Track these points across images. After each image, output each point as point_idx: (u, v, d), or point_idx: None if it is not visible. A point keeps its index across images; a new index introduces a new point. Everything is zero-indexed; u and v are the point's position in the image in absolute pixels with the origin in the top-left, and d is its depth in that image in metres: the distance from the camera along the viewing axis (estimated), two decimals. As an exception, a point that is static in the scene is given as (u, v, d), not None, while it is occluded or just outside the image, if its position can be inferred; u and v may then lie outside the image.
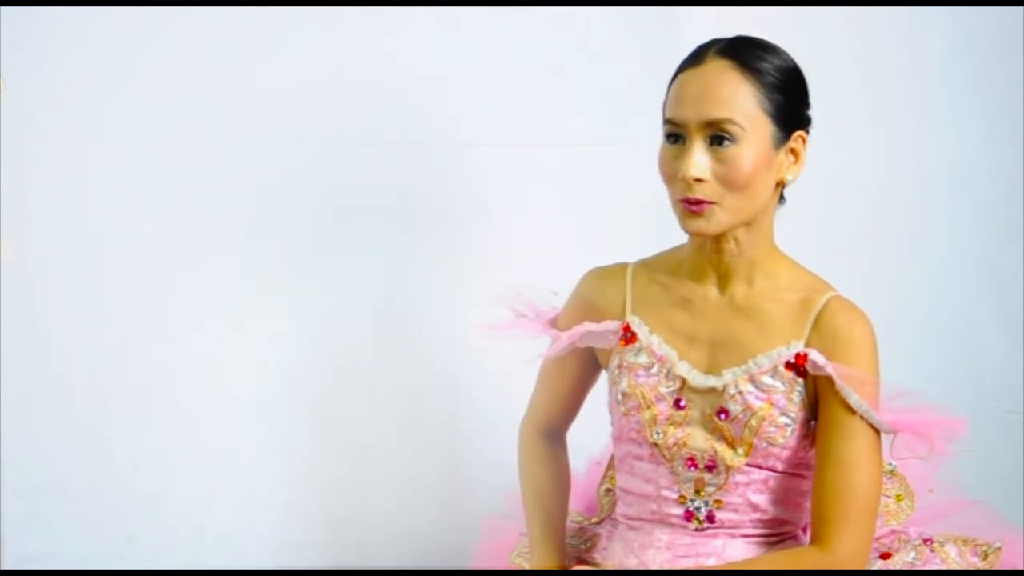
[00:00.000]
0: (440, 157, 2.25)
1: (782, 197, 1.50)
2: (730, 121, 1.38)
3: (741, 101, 1.39)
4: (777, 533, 1.50)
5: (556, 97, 2.26)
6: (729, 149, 1.39)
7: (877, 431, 1.42)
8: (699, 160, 1.39)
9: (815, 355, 1.42)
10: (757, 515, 1.48)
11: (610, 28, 2.27)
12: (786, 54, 1.46)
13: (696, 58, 1.44)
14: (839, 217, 2.33)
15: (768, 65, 1.42)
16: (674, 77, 1.46)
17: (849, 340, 1.42)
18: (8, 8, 2.08)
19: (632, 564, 1.53)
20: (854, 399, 1.39)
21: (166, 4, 2.12)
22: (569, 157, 2.27)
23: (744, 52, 1.42)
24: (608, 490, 1.75)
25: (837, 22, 2.32)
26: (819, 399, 1.44)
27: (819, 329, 1.43)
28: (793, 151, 1.45)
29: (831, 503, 1.40)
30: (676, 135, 1.43)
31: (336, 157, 2.21)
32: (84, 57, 2.12)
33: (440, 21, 2.22)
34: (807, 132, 1.47)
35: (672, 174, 1.42)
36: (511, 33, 2.25)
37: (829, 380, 1.41)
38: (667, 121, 1.44)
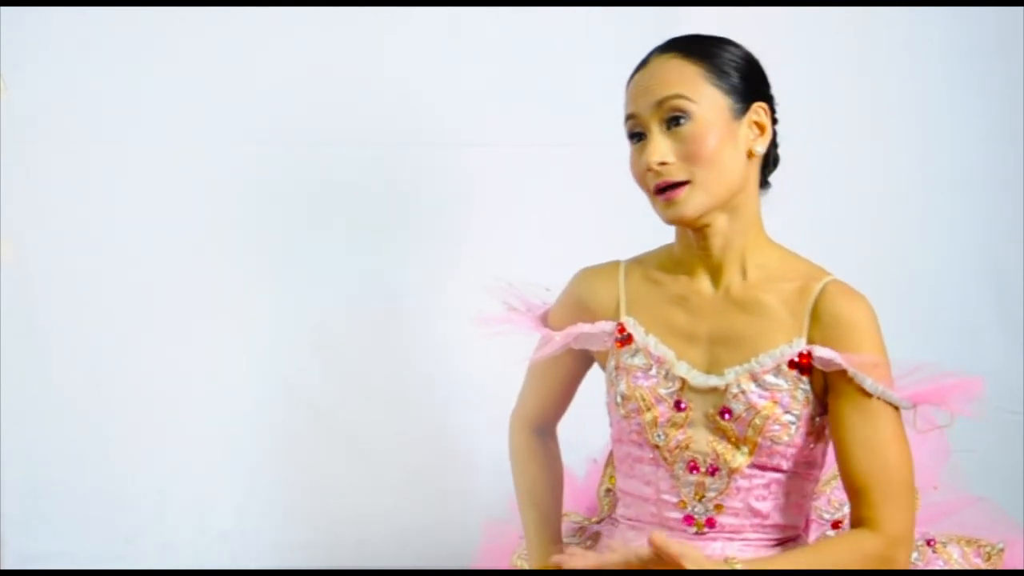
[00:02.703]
0: (440, 157, 2.25)
1: (766, 183, 1.49)
2: (678, 96, 1.39)
3: (688, 79, 1.40)
4: (777, 538, 1.49)
5: (556, 97, 2.26)
6: (685, 127, 1.39)
7: (897, 408, 1.40)
8: (658, 145, 1.40)
9: (820, 351, 1.40)
10: (758, 520, 1.47)
11: (610, 28, 2.27)
12: (738, 44, 1.46)
13: (643, 62, 1.46)
14: (839, 217, 2.33)
15: (714, 49, 1.43)
16: (627, 85, 1.47)
17: (851, 325, 1.40)
18: (8, 8, 2.08)
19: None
20: (869, 383, 1.38)
21: (166, 4, 2.12)
22: (569, 157, 2.27)
23: (687, 43, 1.44)
24: (608, 490, 1.75)
25: (837, 22, 2.33)
26: (831, 389, 1.42)
27: (818, 319, 1.42)
28: (757, 124, 1.43)
29: (871, 485, 1.38)
30: (637, 133, 1.43)
31: (337, 157, 2.21)
32: (84, 57, 2.12)
33: (440, 21, 2.22)
34: (770, 106, 1.45)
35: (641, 170, 1.43)
36: (511, 33, 2.25)
37: (841, 371, 1.39)
38: (625, 121, 1.45)
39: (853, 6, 2.32)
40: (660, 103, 1.40)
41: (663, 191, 1.41)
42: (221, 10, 2.14)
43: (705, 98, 1.39)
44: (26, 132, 2.11)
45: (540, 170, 2.28)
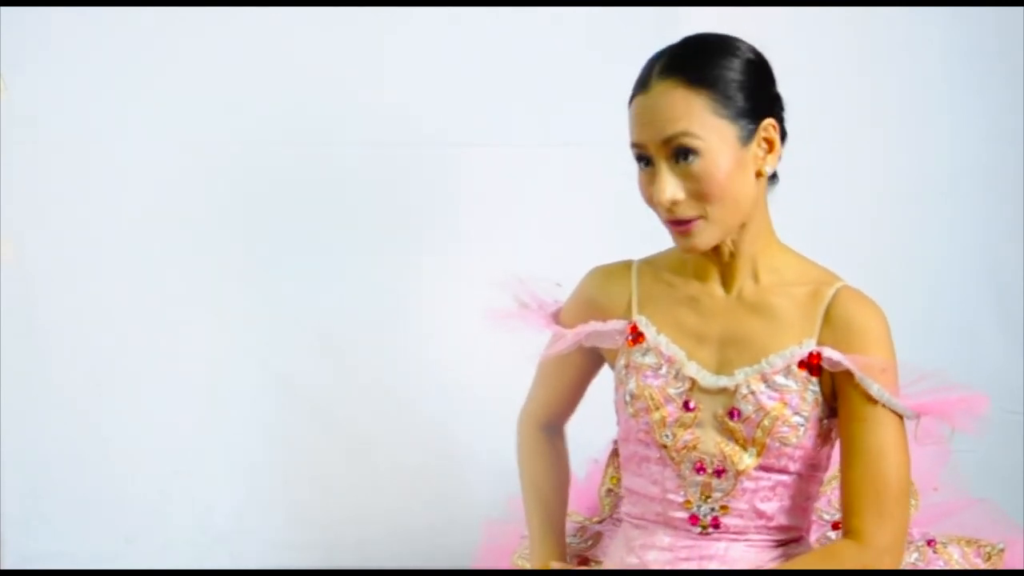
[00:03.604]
0: (440, 157, 2.25)
1: (774, 176, 1.46)
2: (685, 133, 1.35)
3: (695, 114, 1.35)
4: (781, 539, 1.49)
5: (556, 97, 2.26)
6: (695, 164, 1.36)
7: (901, 417, 1.40)
8: (667, 183, 1.37)
9: (829, 352, 1.40)
10: (762, 522, 1.47)
11: (610, 28, 2.27)
12: (740, 46, 1.41)
13: (643, 84, 1.40)
14: (839, 217, 2.33)
15: (717, 70, 1.37)
16: (629, 102, 1.43)
17: (862, 330, 1.40)
18: (8, 8, 2.08)
19: (632, 563, 1.52)
20: (875, 389, 1.37)
21: (166, 4, 2.12)
22: (569, 157, 2.27)
23: (688, 65, 1.38)
24: (609, 490, 1.75)
25: (837, 22, 2.32)
26: (838, 392, 1.42)
27: (830, 322, 1.41)
28: (766, 140, 1.41)
29: (863, 495, 1.38)
30: (644, 157, 1.40)
31: (337, 157, 2.21)
32: (84, 57, 2.13)
33: (440, 21, 2.22)
34: (778, 118, 1.43)
35: (651, 199, 1.41)
36: (511, 33, 2.25)
37: (848, 373, 1.39)
38: (632, 146, 1.42)
39: (853, 6, 2.32)
40: (667, 140, 1.36)
41: (675, 223, 1.40)
42: (221, 10, 2.15)
43: (713, 132, 1.36)
44: (26, 132, 2.12)
45: (540, 170, 2.28)
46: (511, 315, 1.61)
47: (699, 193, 1.37)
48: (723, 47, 1.40)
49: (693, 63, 1.38)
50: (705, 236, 1.40)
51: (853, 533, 1.39)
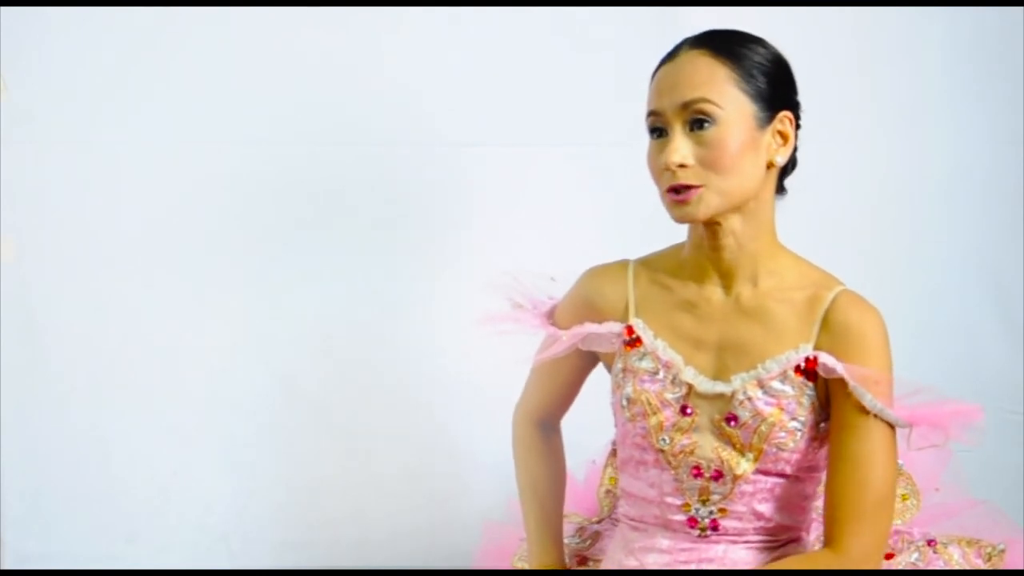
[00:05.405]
0: (439, 157, 2.25)
1: (782, 188, 1.48)
2: (705, 100, 1.37)
3: (717, 82, 1.38)
4: (780, 540, 1.49)
5: (556, 97, 2.26)
6: (709, 131, 1.37)
7: (892, 426, 1.40)
8: (680, 146, 1.38)
9: (825, 358, 1.40)
10: (761, 523, 1.47)
11: (610, 28, 2.27)
12: (768, 45, 1.44)
13: (671, 54, 1.43)
14: (839, 217, 2.33)
15: (744, 50, 1.40)
16: (652, 75, 1.45)
17: (860, 336, 1.40)
18: (8, 8, 2.08)
19: (631, 565, 1.52)
20: (868, 399, 1.37)
21: (166, 4, 2.12)
22: (568, 157, 2.27)
23: (718, 40, 1.41)
24: (608, 491, 1.75)
25: (837, 22, 2.32)
26: (831, 399, 1.42)
27: (828, 327, 1.41)
28: (781, 133, 1.42)
29: (843, 503, 1.38)
30: (658, 129, 1.41)
31: (337, 157, 2.21)
32: (84, 57, 2.13)
33: (440, 21, 2.22)
34: (795, 115, 1.44)
35: (658, 168, 1.41)
36: (511, 33, 2.25)
37: (842, 380, 1.39)
38: (648, 116, 1.43)
39: (853, 6, 2.32)
40: (686, 105, 1.37)
41: (676, 191, 1.39)
42: (221, 10, 2.15)
43: (731, 103, 1.37)
44: (26, 131, 2.12)
45: (540, 170, 2.28)
46: (505, 318, 1.61)
47: (709, 161, 1.37)
48: (753, 37, 1.44)
49: (722, 39, 1.41)
50: (703, 206, 1.39)
51: (830, 542, 1.39)
